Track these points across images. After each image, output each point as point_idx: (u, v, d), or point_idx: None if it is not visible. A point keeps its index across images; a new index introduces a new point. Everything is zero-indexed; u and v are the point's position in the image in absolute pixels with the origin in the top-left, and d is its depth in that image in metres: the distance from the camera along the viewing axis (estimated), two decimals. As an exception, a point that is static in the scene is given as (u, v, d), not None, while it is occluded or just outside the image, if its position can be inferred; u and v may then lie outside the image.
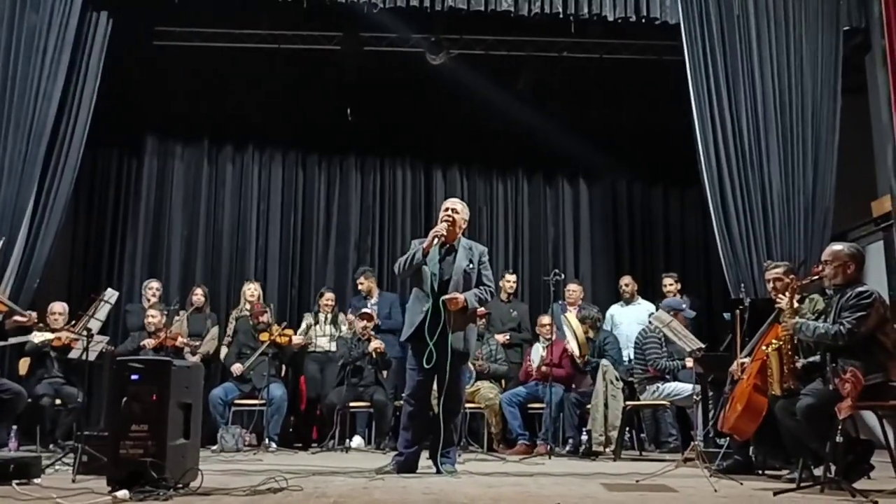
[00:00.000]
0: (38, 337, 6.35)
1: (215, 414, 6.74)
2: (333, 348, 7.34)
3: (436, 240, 4.74)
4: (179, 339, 6.91)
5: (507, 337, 7.49)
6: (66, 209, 6.81)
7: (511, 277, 7.82)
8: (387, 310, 7.52)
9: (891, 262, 6.79)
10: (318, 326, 7.50)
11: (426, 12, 6.92)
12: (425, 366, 4.63)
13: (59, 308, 6.61)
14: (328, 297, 7.60)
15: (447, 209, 4.88)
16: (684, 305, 6.42)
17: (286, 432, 7.25)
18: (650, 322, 6.21)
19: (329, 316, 7.53)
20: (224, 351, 7.38)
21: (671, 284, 7.34)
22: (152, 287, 7.47)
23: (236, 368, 7.01)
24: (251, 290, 7.57)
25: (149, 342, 6.81)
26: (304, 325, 7.58)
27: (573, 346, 6.60)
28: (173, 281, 8.35)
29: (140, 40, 7.74)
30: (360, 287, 7.70)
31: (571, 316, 6.77)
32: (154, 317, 6.94)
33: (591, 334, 6.73)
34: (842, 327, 4.03)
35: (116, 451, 3.55)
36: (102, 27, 6.83)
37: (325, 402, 6.97)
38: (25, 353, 6.50)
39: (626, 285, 7.69)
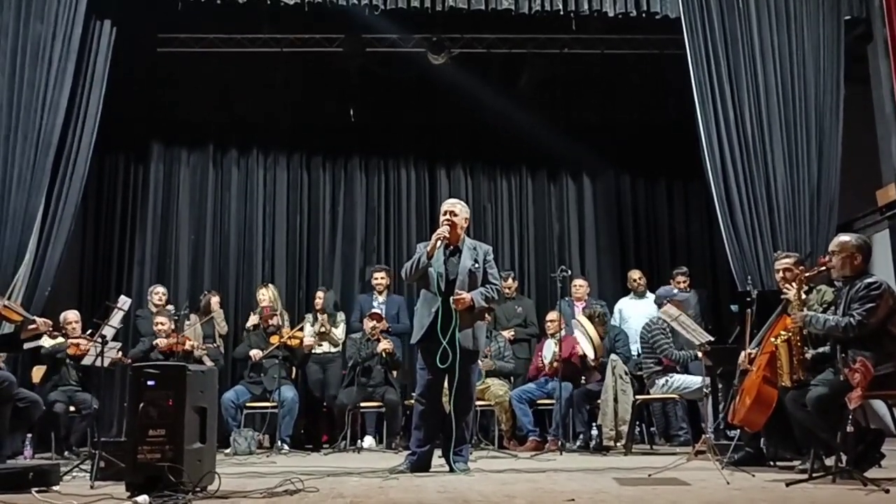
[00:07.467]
0: (48, 341, 6.42)
1: (227, 417, 6.75)
2: (330, 349, 7.36)
3: (439, 242, 4.79)
4: (188, 343, 6.92)
5: (513, 333, 7.49)
6: (75, 217, 6.85)
7: (507, 282, 7.54)
8: (394, 311, 7.51)
9: (897, 251, 6.79)
10: (314, 326, 7.44)
11: (427, 13, 6.96)
12: (440, 365, 4.67)
13: (73, 316, 6.67)
14: (317, 296, 7.55)
15: (446, 212, 4.92)
16: (675, 291, 6.55)
17: (297, 434, 7.28)
18: (658, 316, 6.22)
19: (322, 316, 7.41)
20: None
21: (683, 282, 7.33)
22: (157, 292, 7.50)
23: (255, 354, 7.04)
24: (262, 294, 7.47)
25: (161, 342, 6.83)
26: (310, 330, 7.42)
27: (587, 350, 6.59)
28: (182, 285, 8.39)
29: (144, 47, 7.82)
30: (379, 282, 7.61)
31: (584, 319, 6.72)
32: (163, 324, 6.95)
33: (599, 330, 6.74)
34: (852, 319, 4.05)
35: (134, 457, 3.59)
36: (107, 35, 6.87)
37: (335, 403, 7.00)
38: (41, 359, 6.55)
39: (640, 278, 7.63)
